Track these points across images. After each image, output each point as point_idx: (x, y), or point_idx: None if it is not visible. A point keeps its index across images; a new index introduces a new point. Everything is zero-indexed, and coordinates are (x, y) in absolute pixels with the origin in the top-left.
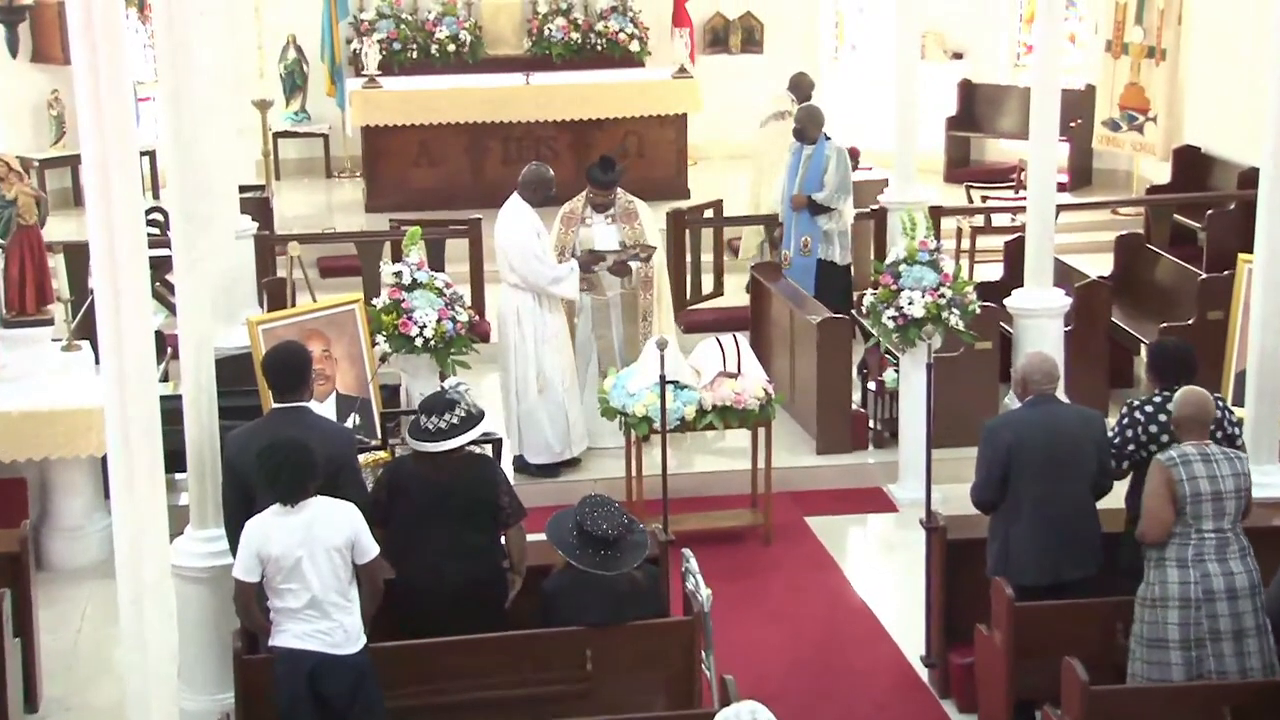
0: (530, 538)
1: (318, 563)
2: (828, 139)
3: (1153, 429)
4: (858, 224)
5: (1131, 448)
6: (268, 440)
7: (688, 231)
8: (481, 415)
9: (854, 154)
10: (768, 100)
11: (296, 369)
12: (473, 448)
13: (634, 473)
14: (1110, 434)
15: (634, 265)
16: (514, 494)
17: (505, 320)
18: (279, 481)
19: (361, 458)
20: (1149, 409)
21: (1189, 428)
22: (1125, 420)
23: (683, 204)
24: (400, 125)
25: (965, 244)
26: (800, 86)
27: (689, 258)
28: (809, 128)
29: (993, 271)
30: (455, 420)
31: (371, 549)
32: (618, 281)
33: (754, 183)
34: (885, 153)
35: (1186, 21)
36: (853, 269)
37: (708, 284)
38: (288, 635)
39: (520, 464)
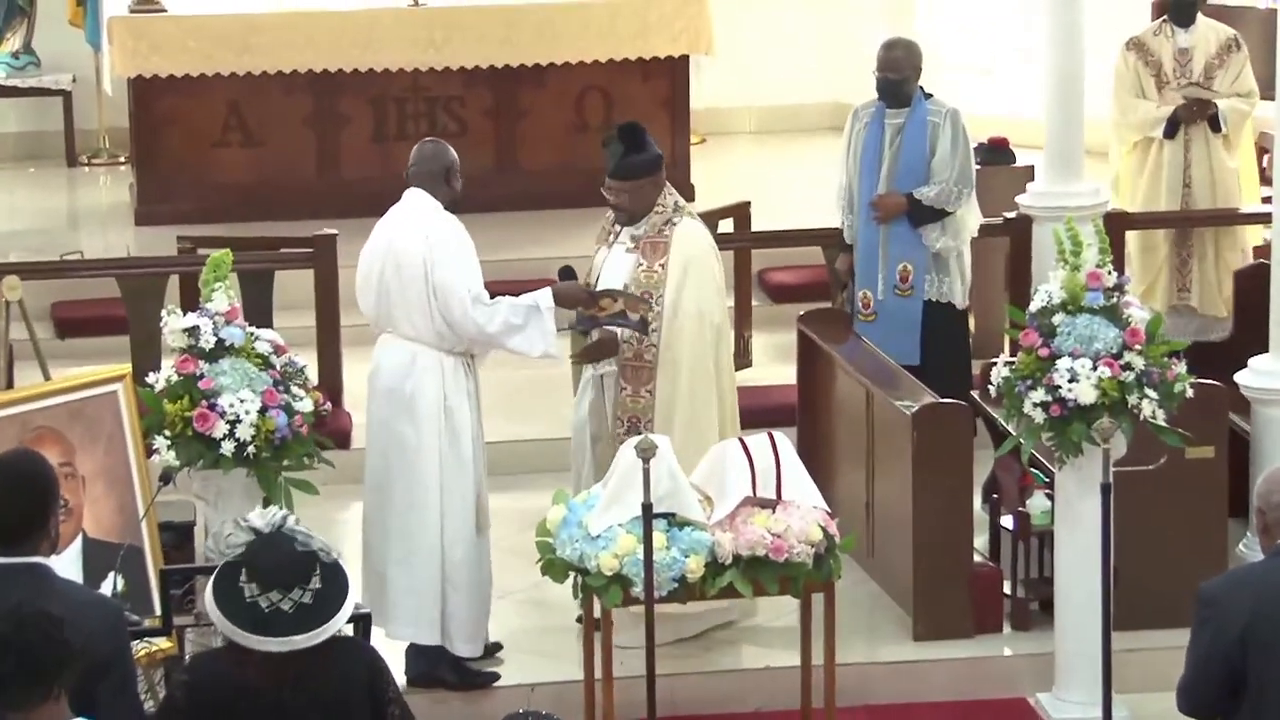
0: None
1: None
2: (927, 97)
3: None
4: (979, 242)
5: None
6: None
7: None
8: (346, 579)
9: (1000, 143)
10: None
11: (30, 500)
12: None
13: (596, 672)
14: None
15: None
16: (404, 701)
17: (422, 407)
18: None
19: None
20: None
21: None
22: None
23: None
24: (195, 76)
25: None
26: None
27: None
28: (912, 77)
29: None
30: (317, 590)
31: None
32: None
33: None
34: (1024, 122)
35: None
36: (972, 318)
37: None
38: None
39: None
